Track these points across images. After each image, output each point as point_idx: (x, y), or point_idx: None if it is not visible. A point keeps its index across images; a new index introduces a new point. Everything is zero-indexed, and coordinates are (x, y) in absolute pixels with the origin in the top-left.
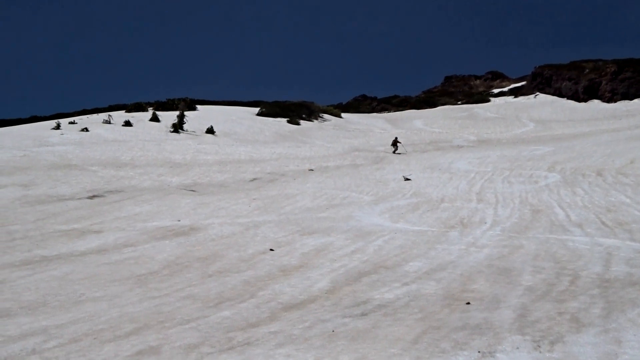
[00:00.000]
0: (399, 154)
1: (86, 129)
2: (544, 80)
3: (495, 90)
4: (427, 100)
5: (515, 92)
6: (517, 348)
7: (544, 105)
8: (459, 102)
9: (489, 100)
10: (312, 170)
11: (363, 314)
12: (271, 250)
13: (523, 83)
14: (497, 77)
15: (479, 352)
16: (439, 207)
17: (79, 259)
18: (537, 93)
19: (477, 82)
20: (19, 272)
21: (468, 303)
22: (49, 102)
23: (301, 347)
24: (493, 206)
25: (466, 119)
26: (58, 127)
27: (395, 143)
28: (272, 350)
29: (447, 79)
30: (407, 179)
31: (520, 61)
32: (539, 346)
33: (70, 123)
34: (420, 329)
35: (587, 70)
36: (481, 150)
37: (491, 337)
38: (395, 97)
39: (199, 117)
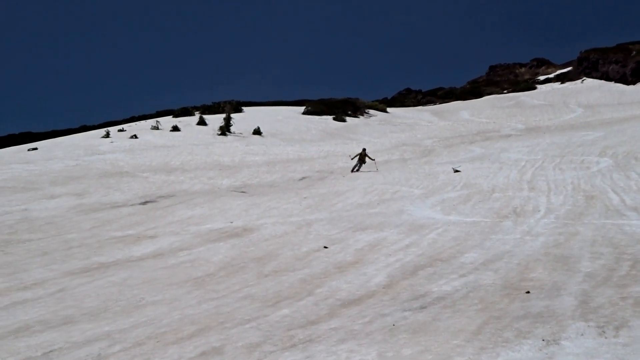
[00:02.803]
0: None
1: (135, 136)
2: (590, 65)
3: (541, 77)
4: (472, 91)
5: (562, 78)
6: (582, 335)
7: (591, 89)
8: (505, 91)
9: (535, 88)
10: None
11: (422, 307)
12: (325, 247)
13: (569, 69)
14: (543, 64)
15: (543, 340)
16: (491, 198)
17: (136, 264)
18: (584, 78)
19: (522, 69)
20: (79, 279)
21: (528, 292)
22: (98, 110)
23: (363, 342)
24: (545, 194)
25: (513, 107)
26: (108, 135)
27: (362, 157)
28: (334, 347)
29: (492, 68)
30: (457, 171)
31: (565, 46)
32: (604, 332)
33: (120, 131)
34: (482, 320)
35: (634, 52)
36: (530, 138)
37: (554, 325)
38: (440, 89)
39: (245, 118)
